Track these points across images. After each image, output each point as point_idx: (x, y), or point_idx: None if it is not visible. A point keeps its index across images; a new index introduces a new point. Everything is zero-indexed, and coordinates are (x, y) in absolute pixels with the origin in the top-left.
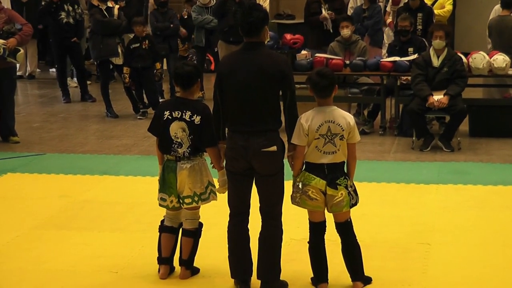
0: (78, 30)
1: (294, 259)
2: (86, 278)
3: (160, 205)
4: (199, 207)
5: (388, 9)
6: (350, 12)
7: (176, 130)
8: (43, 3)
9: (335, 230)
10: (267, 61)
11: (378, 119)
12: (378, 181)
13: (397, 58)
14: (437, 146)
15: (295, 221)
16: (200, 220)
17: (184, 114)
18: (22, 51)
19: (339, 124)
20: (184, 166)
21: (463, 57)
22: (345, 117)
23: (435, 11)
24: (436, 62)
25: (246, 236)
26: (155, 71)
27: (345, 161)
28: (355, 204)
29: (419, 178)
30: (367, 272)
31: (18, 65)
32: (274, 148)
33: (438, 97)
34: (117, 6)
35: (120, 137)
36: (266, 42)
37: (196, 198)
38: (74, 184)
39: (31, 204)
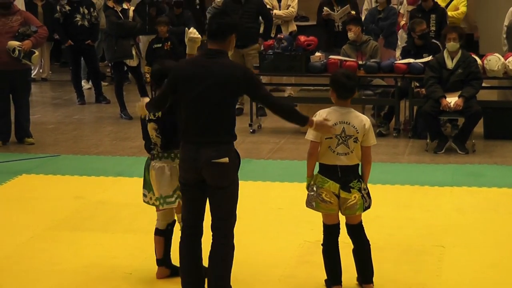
0: (93, 32)
1: (308, 261)
2: (100, 279)
3: (143, 200)
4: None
5: (401, 11)
6: (364, 13)
7: (151, 131)
8: (58, 7)
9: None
10: (225, 72)
11: (392, 121)
12: (392, 183)
13: (411, 60)
14: (451, 148)
15: (309, 223)
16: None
17: (153, 114)
18: (37, 53)
19: (354, 126)
20: (154, 166)
21: (477, 58)
22: (361, 120)
23: (449, 13)
24: (450, 64)
25: (198, 250)
26: None
27: (359, 164)
28: (368, 207)
29: (434, 181)
30: (381, 275)
31: (32, 67)
32: (225, 159)
33: (451, 99)
34: (132, 8)
35: (134, 138)
36: (230, 54)
37: (161, 201)
38: (88, 185)
39: (45, 205)
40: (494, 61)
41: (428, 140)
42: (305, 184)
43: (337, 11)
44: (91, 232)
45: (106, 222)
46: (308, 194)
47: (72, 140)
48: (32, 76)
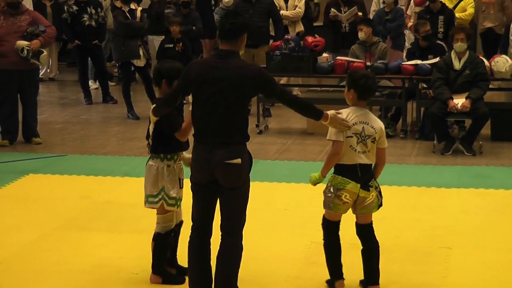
0: (100, 32)
1: (314, 262)
2: (106, 279)
3: None
4: (164, 210)
5: (408, 12)
6: (372, 15)
7: (150, 131)
8: (65, 7)
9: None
10: (238, 73)
11: (399, 123)
12: (399, 184)
13: (418, 61)
14: (458, 150)
15: (315, 224)
16: (169, 226)
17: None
18: (45, 52)
19: (372, 127)
20: (147, 163)
21: (485, 60)
22: (378, 122)
23: (457, 15)
24: (457, 65)
25: (206, 251)
26: None
27: (373, 164)
28: (381, 205)
29: (440, 182)
30: (387, 276)
31: (40, 67)
32: (238, 160)
33: (459, 101)
34: (139, 8)
35: (141, 138)
36: (241, 53)
37: (145, 199)
38: (95, 185)
39: (52, 205)
40: (501, 62)
41: (435, 142)
42: (309, 185)
43: (344, 12)
44: (98, 232)
45: (112, 222)
46: (325, 196)
47: (79, 140)
48: (39, 76)
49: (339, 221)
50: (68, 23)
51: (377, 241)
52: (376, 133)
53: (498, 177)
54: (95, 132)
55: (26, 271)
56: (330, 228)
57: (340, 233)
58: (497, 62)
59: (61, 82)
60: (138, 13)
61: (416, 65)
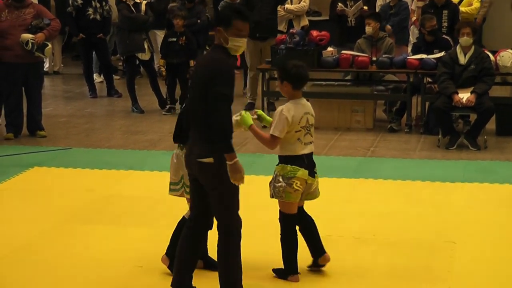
0: (105, 26)
1: None
2: (111, 271)
3: None
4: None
5: (413, 7)
6: (378, 9)
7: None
8: (70, 1)
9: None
10: (202, 69)
11: (404, 117)
12: (403, 178)
13: (424, 56)
14: (463, 144)
15: (318, 219)
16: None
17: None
18: (50, 46)
19: (312, 115)
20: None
21: (490, 55)
22: (310, 105)
23: (463, 9)
24: (463, 59)
25: (195, 241)
26: (189, 68)
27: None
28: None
29: (445, 176)
30: (392, 270)
31: (44, 60)
32: (210, 160)
33: (464, 95)
34: (144, 2)
35: (146, 132)
36: (230, 45)
37: (170, 186)
38: (100, 178)
39: (57, 198)
40: (507, 57)
41: (439, 136)
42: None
43: (351, 7)
44: (102, 225)
45: (117, 215)
46: (274, 186)
47: (84, 133)
48: (44, 69)
49: (296, 213)
50: (72, 17)
51: (308, 214)
52: (313, 118)
53: (503, 172)
54: (99, 126)
55: (31, 264)
56: (288, 222)
57: (344, 226)
58: (503, 56)
59: (65, 75)
60: (143, 7)
61: (421, 59)
